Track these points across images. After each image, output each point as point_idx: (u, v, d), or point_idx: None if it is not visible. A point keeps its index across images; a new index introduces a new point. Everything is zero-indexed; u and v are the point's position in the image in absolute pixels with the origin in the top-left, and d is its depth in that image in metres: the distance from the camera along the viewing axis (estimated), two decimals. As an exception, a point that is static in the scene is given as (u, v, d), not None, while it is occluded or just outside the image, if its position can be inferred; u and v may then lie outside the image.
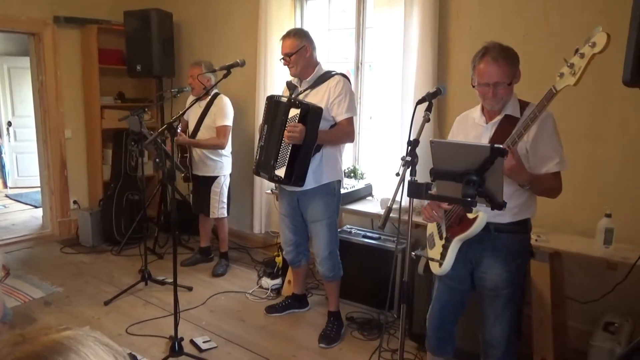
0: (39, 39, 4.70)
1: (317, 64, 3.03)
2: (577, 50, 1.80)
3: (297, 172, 2.82)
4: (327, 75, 2.98)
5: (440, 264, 2.16)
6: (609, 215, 2.61)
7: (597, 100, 2.87)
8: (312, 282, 3.77)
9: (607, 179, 2.89)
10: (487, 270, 2.14)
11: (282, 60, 3.02)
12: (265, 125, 2.96)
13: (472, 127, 2.19)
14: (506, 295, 2.13)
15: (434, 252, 2.22)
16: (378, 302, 3.36)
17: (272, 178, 2.90)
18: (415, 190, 1.82)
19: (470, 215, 2.05)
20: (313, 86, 2.99)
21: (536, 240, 2.71)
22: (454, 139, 2.26)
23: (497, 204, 1.76)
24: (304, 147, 2.80)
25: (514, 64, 2.03)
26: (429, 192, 1.82)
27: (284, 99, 2.89)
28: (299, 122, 2.75)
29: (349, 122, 2.96)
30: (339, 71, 3.05)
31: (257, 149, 3.03)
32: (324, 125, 2.87)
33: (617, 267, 2.54)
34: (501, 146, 1.73)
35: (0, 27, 4.65)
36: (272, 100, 2.97)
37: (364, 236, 3.55)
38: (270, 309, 3.50)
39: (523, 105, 2.08)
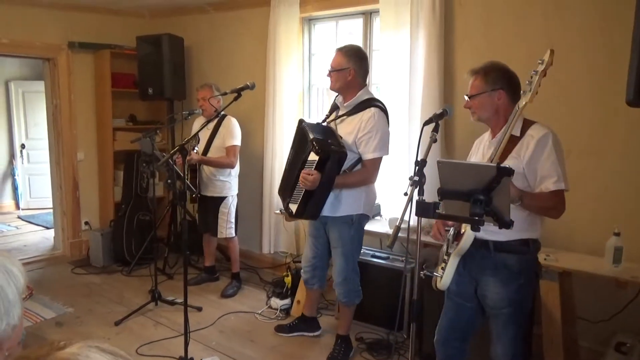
0: (54, 64, 4.82)
1: (360, 87, 2.88)
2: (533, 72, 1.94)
3: (308, 211, 2.82)
4: (365, 105, 2.83)
5: (440, 278, 2.18)
6: (617, 234, 2.61)
7: (602, 117, 2.89)
8: (321, 302, 3.76)
9: (615, 198, 2.89)
10: (486, 288, 2.15)
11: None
12: (292, 150, 2.98)
13: (484, 147, 2.26)
14: (506, 314, 2.12)
15: (438, 268, 2.25)
16: (387, 322, 3.35)
17: (287, 209, 2.96)
18: (423, 209, 1.85)
19: (463, 231, 2.09)
20: (350, 113, 2.87)
21: (545, 259, 2.70)
22: (460, 160, 2.31)
23: (505, 223, 1.77)
24: (317, 193, 2.75)
25: (489, 78, 2.12)
26: (437, 211, 1.84)
27: (311, 135, 2.73)
28: (315, 168, 2.69)
29: (374, 163, 2.83)
30: (378, 103, 2.88)
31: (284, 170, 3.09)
32: (350, 157, 2.78)
33: (627, 286, 2.53)
34: (507, 165, 1.75)
35: (16, 53, 4.80)
36: (300, 127, 2.91)
37: (373, 256, 3.55)
38: (279, 328, 3.50)
39: (526, 124, 2.09)
